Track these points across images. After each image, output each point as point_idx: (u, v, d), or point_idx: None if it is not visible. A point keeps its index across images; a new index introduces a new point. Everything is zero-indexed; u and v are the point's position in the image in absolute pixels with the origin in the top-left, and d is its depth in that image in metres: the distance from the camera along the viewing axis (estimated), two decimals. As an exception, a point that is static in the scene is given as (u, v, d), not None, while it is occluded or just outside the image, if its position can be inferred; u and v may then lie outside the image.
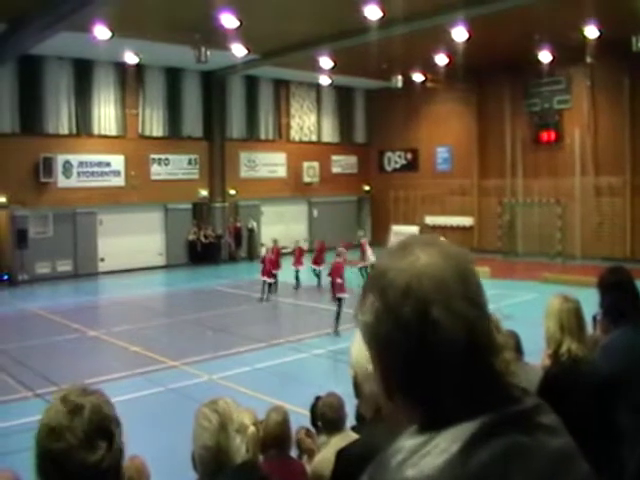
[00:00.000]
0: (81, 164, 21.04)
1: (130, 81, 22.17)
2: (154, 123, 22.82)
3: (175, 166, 23.43)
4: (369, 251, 17.37)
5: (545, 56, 21.08)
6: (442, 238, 0.95)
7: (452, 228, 26.38)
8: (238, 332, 12.88)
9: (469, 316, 0.84)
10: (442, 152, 26.79)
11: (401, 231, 24.71)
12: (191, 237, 23.63)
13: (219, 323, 13.68)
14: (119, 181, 21.92)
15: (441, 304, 0.83)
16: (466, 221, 25.89)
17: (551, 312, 2.81)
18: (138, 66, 21.95)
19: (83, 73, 21.13)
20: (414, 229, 25.96)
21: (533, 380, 2.65)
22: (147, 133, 22.69)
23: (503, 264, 22.24)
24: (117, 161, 21.82)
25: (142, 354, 11.04)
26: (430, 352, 0.83)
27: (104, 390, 1.41)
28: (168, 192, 22.89)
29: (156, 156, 22.96)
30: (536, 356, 3.45)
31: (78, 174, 20.99)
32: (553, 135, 23.11)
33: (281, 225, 25.57)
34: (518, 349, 3.59)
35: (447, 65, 21.70)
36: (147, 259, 22.53)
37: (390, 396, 0.88)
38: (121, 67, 21.66)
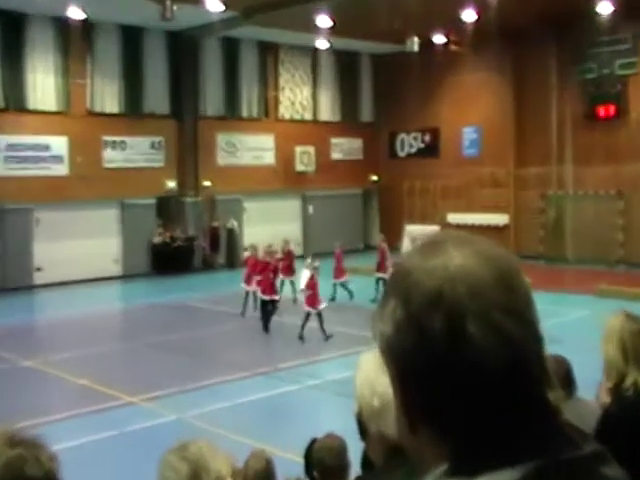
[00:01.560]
0: (11, 147, 20.99)
1: (75, 42, 22.14)
2: (107, 96, 22.96)
3: (135, 151, 23.60)
4: (390, 260, 17.73)
5: (604, 7, 20.62)
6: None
7: (481, 228, 26.30)
8: (215, 358, 13.06)
9: (514, 334, 0.85)
10: (469, 133, 27.02)
11: (417, 232, 24.87)
12: (155, 240, 23.90)
13: (191, 347, 13.81)
14: (62, 169, 22.00)
15: (479, 317, 0.84)
16: (499, 219, 26.07)
17: (611, 334, 2.82)
18: (85, 23, 21.92)
19: (12, 30, 20.90)
20: (433, 229, 25.69)
21: (588, 420, 2.63)
22: (98, 109, 22.81)
23: (547, 273, 22.37)
24: (59, 144, 21.83)
25: (91, 388, 11.11)
26: (463, 375, 0.84)
27: (42, 436, 1.40)
28: (126, 184, 22.96)
29: (110, 138, 23.06)
30: (590, 390, 3.44)
31: (6, 160, 20.97)
32: (613, 109, 22.95)
33: (268, 225, 25.64)
34: (569, 380, 3.55)
35: (475, 23, 21.72)
36: (98, 268, 22.62)
37: (413, 428, 0.88)
38: (63, 24, 21.58)
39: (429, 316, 0.84)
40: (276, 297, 15.09)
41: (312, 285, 13.99)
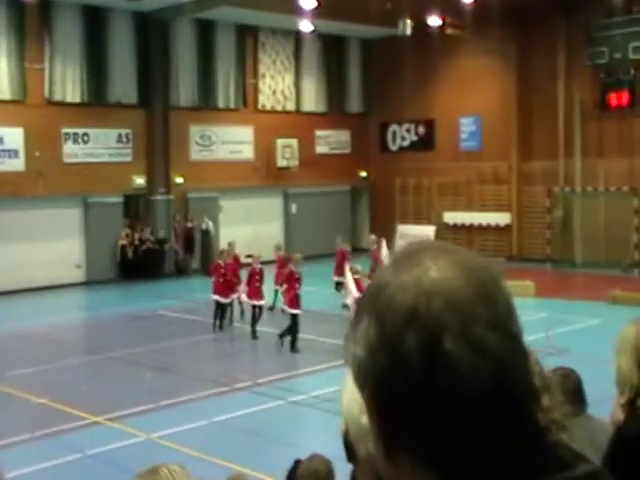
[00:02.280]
0: (-43, 139, 21.21)
1: (32, 23, 22.04)
2: (68, 83, 22.82)
3: (99, 144, 23.55)
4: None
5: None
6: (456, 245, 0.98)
7: (481, 228, 26.59)
8: (189, 373, 13.09)
9: (496, 349, 0.85)
10: (468, 124, 27.06)
11: (411, 233, 25.11)
12: (122, 242, 23.81)
13: (162, 361, 13.85)
14: (17, 164, 21.93)
15: (457, 333, 0.84)
16: (501, 219, 26.17)
17: (625, 345, 2.82)
18: (43, 1, 21.86)
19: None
20: (429, 230, 26.33)
21: (600, 440, 2.64)
22: (58, 97, 22.73)
23: (554, 277, 22.47)
24: (13, 136, 21.76)
25: (51, 407, 11.07)
26: (442, 398, 0.83)
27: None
28: (89, 180, 22.92)
29: (71, 130, 22.99)
30: (603, 406, 3.43)
31: (-48, 154, 21.12)
32: (626, 97, 22.92)
33: (247, 225, 25.70)
34: (578, 396, 3.54)
35: (475, 3, 21.80)
36: (58, 274, 22.49)
37: (391, 456, 0.89)
38: (17, 2, 21.51)
39: (403, 335, 0.85)
40: (262, 302, 15.42)
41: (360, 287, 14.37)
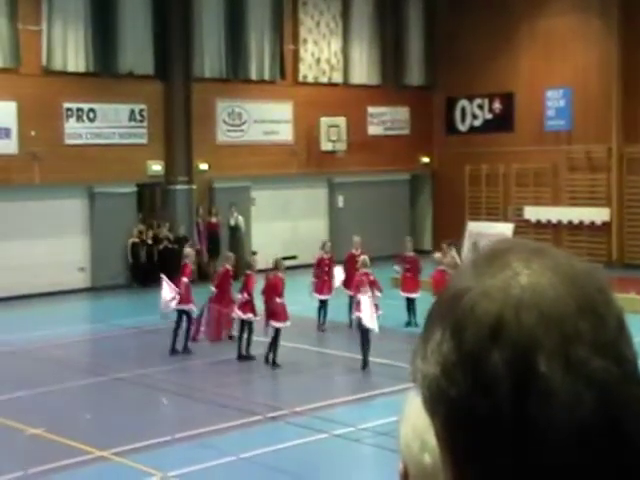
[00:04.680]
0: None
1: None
2: (70, 49, 22.85)
3: (107, 122, 23.63)
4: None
5: None
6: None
7: (573, 227, 26.39)
8: (211, 399, 13.20)
9: (602, 375, 0.84)
10: (556, 99, 26.76)
11: (484, 232, 24.85)
12: (134, 241, 23.97)
13: (180, 384, 13.99)
14: (8, 146, 22.04)
15: (554, 353, 0.84)
16: (597, 215, 25.92)
17: None
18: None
19: None
20: (506, 228, 25.82)
21: None
22: (58, 66, 22.80)
23: None
24: (4, 112, 21.92)
25: (47, 439, 11.10)
26: (534, 433, 0.83)
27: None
28: (95, 166, 22.95)
29: (74, 105, 23.02)
30: None
31: None
32: None
33: (284, 221, 25.65)
34: None
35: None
36: (58, 278, 22.50)
37: None
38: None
39: (487, 352, 0.85)
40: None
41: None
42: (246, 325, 15.63)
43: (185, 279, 16.50)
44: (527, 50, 27.06)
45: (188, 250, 18.04)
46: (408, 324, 17.52)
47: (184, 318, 16.09)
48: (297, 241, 24.41)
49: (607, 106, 25.39)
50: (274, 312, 14.97)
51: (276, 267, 15.78)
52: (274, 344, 14.89)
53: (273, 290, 15.20)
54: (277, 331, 14.95)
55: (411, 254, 18.87)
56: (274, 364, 14.86)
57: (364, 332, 14.62)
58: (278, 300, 15.06)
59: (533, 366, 0.84)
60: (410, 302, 17.95)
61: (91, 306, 22.10)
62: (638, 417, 0.86)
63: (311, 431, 11.38)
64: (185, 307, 16.13)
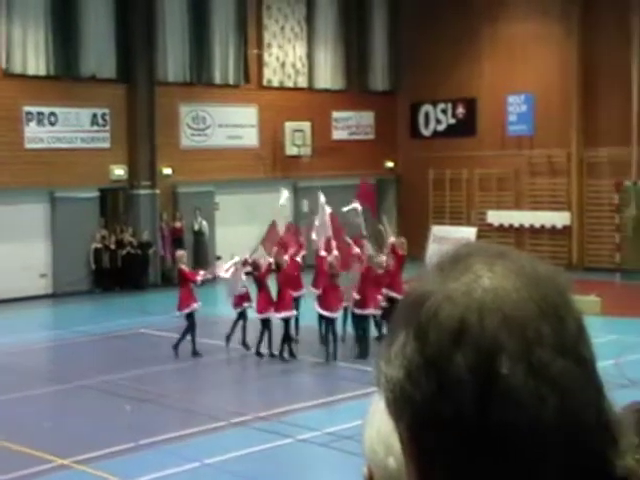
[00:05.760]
0: None
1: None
2: (29, 51, 22.67)
3: (69, 126, 23.51)
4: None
5: None
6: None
7: (534, 231, 26.52)
8: (176, 405, 13.23)
9: (563, 378, 0.86)
10: (518, 104, 26.86)
11: (447, 235, 24.91)
12: (97, 246, 23.86)
13: (144, 390, 13.84)
14: None
15: (516, 356, 0.85)
16: (558, 219, 26.04)
17: None
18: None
19: None
20: (469, 232, 25.98)
21: None
22: (17, 69, 22.65)
23: (625, 291, 22.53)
24: None
25: (6, 449, 11.05)
26: (497, 436, 0.85)
27: None
28: (56, 170, 22.86)
29: (34, 109, 22.89)
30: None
31: None
32: None
33: (249, 226, 25.16)
34: None
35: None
36: (18, 284, 22.32)
37: None
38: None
39: (450, 357, 0.86)
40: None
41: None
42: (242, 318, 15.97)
43: (192, 282, 16.32)
44: (489, 55, 27.21)
45: (180, 253, 17.67)
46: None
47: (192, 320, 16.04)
48: (258, 243, 24.26)
49: (567, 111, 25.61)
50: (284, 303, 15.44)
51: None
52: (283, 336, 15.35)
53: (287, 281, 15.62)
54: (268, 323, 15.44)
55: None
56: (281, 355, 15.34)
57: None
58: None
59: (496, 369, 0.84)
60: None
61: (53, 313, 22.02)
62: (598, 417, 0.88)
63: (276, 436, 11.36)
64: (192, 308, 15.99)
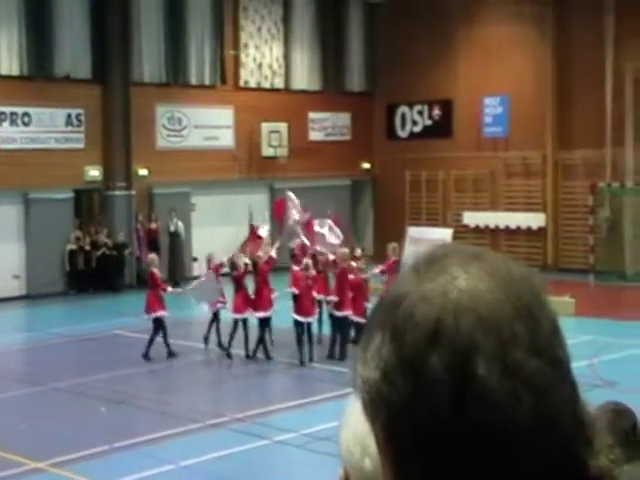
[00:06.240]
0: None
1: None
2: (3, 51, 22.63)
3: (43, 127, 23.45)
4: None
5: None
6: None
7: (510, 232, 26.64)
8: (152, 407, 13.24)
9: (538, 378, 0.87)
10: (493, 106, 27.04)
11: (424, 236, 24.76)
12: (72, 247, 23.78)
13: (119, 392, 13.81)
14: None
15: (491, 357, 0.86)
16: (533, 220, 26.18)
17: None
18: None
19: None
20: (445, 233, 25.93)
21: None
22: None
23: (599, 292, 22.50)
24: None
25: None
26: (472, 436, 0.85)
27: None
28: (30, 171, 22.73)
29: (7, 109, 22.86)
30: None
31: None
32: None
33: (225, 227, 25.37)
34: (632, 437, 2.78)
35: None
36: None
37: None
38: None
39: (425, 357, 0.87)
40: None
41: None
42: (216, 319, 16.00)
43: (162, 291, 16.23)
44: (465, 57, 27.34)
45: (151, 256, 17.83)
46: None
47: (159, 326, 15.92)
48: (238, 247, 24.16)
49: (542, 113, 25.71)
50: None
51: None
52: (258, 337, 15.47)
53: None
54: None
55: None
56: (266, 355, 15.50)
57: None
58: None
59: (471, 369, 0.85)
60: None
61: (27, 314, 21.97)
62: (573, 417, 0.89)
63: (253, 438, 11.34)
64: (159, 314, 15.87)
